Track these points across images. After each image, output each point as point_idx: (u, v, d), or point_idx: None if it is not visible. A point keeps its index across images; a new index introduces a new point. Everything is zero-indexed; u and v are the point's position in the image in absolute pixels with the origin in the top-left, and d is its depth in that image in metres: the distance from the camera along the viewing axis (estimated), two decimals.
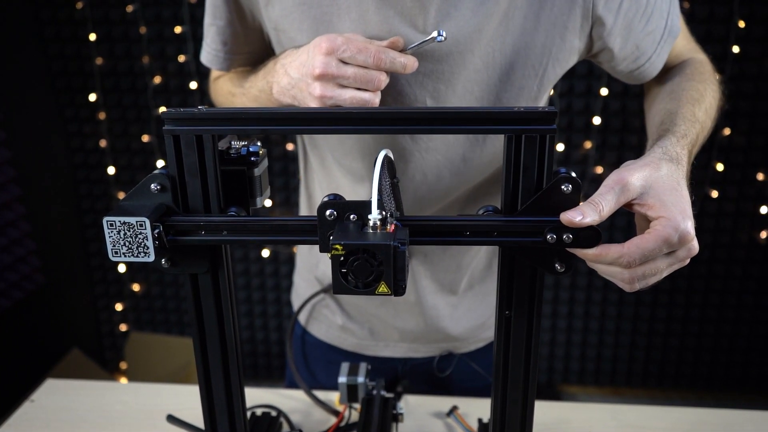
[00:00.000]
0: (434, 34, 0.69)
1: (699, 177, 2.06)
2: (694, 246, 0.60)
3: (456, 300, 1.00)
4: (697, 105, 0.80)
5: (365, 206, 0.54)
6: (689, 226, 0.59)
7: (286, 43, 0.81)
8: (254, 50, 0.91)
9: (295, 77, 0.71)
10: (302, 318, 1.09)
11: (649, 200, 0.60)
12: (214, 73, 0.98)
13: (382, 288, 0.52)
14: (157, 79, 2.12)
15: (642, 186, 0.60)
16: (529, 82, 0.80)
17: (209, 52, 0.92)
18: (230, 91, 0.91)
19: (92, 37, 2.10)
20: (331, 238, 0.52)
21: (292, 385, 1.04)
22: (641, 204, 0.60)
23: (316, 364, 1.09)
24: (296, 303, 1.11)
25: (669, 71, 0.91)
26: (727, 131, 2.02)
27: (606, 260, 0.58)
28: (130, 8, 2.05)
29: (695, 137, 0.75)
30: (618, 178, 0.59)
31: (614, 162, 2.07)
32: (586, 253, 0.59)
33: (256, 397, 0.92)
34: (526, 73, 0.80)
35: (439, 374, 1.04)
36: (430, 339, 1.03)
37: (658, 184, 0.61)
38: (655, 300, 2.24)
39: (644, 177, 0.60)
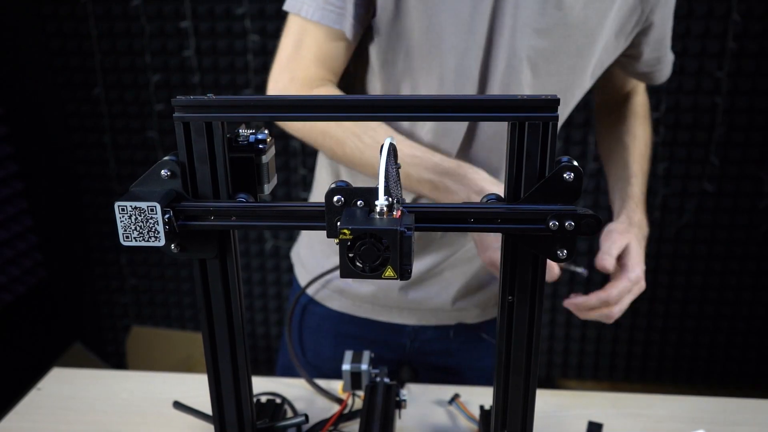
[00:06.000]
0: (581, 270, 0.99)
1: (696, 173, 2.07)
2: (642, 285, 0.91)
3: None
4: (645, 161, 1.04)
5: (372, 192, 0.55)
6: (639, 271, 0.90)
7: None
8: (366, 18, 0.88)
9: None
10: (311, 290, 1.10)
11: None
12: (309, 78, 0.89)
13: (389, 272, 0.54)
14: (159, 75, 2.13)
15: (618, 250, 0.91)
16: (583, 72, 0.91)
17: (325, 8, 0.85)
18: (353, 131, 0.86)
19: (94, 32, 2.11)
20: (339, 223, 0.53)
21: (286, 371, 1.06)
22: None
23: (324, 337, 1.11)
24: (303, 277, 1.11)
25: (623, 108, 1.10)
26: (724, 127, 2.04)
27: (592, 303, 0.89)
28: (132, 3, 2.06)
29: (645, 188, 1.02)
30: (608, 252, 0.92)
31: None
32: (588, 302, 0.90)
33: (259, 385, 0.93)
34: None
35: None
36: (443, 309, 1.07)
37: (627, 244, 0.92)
38: (654, 295, 2.25)
39: (618, 246, 0.92)
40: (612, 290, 0.88)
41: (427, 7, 0.83)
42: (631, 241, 0.92)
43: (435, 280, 1.04)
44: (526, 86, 0.88)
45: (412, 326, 1.09)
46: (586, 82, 0.94)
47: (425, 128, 0.92)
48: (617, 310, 0.89)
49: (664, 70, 1.02)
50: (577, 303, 0.89)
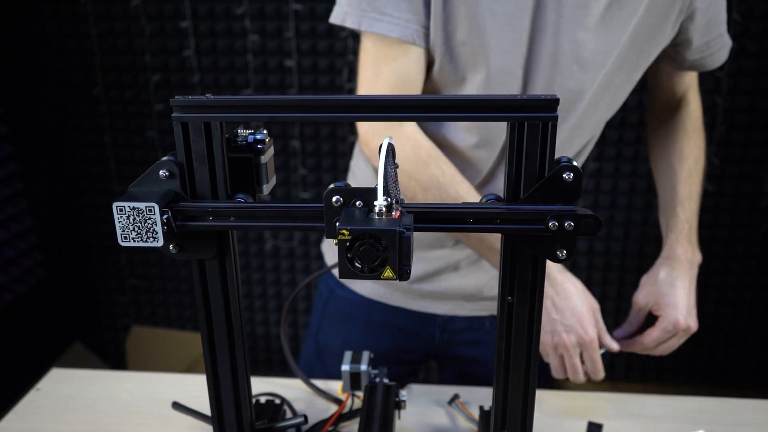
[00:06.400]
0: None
1: None
2: (691, 327, 0.90)
3: None
4: (694, 180, 1.01)
5: (371, 192, 0.55)
6: (679, 317, 0.89)
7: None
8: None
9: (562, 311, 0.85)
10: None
11: (655, 304, 0.92)
12: (417, 136, 0.89)
13: (388, 273, 0.53)
14: (159, 75, 2.13)
15: (645, 297, 0.94)
16: (627, 65, 0.92)
17: (401, 24, 0.85)
18: (439, 182, 0.86)
19: (94, 32, 2.11)
20: (338, 223, 0.53)
21: (308, 362, 1.08)
22: (653, 309, 0.93)
23: (355, 325, 1.11)
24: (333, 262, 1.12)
25: (673, 121, 1.07)
26: (724, 127, 2.03)
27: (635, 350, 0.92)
28: (132, 3, 2.06)
29: (695, 211, 1.00)
30: (633, 300, 0.96)
31: (612, 157, 2.08)
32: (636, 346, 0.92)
33: (259, 385, 0.93)
34: (629, 56, 0.91)
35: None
36: (478, 297, 1.08)
37: (658, 289, 0.92)
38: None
39: (646, 293, 0.94)
40: (646, 339, 0.90)
41: (470, 6, 0.84)
42: (653, 286, 0.93)
43: (472, 269, 1.05)
44: (573, 81, 0.89)
45: (443, 316, 1.10)
46: (633, 75, 0.95)
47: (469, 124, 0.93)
48: (658, 352, 0.92)
49: (716, 55, 0.99)
50: (622, 347, 0.92)
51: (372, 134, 0.91)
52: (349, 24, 0.87)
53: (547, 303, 0.83)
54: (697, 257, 0.97)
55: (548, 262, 0.77)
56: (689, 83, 1.08)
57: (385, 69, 0.88)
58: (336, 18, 0.89)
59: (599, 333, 0.87)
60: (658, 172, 1.06)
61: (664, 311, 0.90)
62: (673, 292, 0.91)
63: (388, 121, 0.85)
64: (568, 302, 0.85)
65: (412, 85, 0.89)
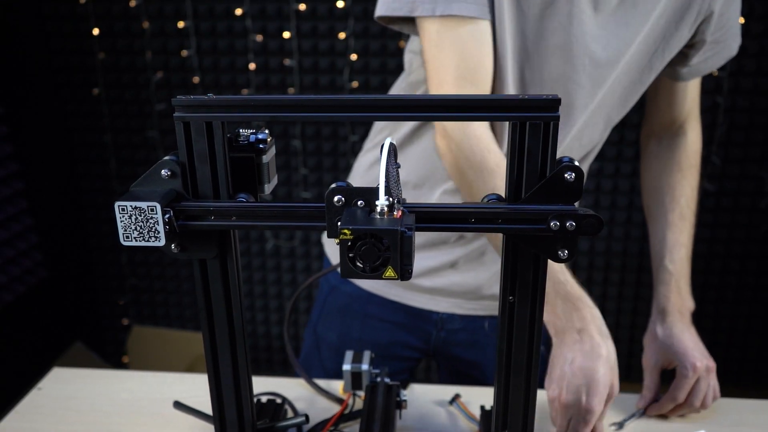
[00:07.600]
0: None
1: None
2: (710, 365, 0.90)
3: None
4: (685, 224, 1.00)
5: (373, 192, 0.55)
6: (694, 361, 0.89)
7: None
8: None
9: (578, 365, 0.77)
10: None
11: (665, 361, 0.94)
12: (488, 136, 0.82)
13: (389, 272, 0.53)
14: (160, 75, 2.13)
15: (652, 357, 0.95)
16: (639, 65, 0.92)
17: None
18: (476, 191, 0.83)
19: (95, 32, 2.11)
20: (339, 223, 0.53)
21: (308, 354, 1.08)
22: (666, 366, 0.95)
23: (353, 318, 1.11)
24: (334, 256, 1.12)
25: (669, 155, 1.04)
26: (725, 127, 2.03)
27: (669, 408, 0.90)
28: (132, 3, 2.06)
29: (685, 258, 0.98)
30: (644, 364, 0.97)
31: (613, 157, 2.08)
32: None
33: (260, 385, 0.93)
34: (642, 57, 0.91)
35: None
36: (477, 296, 1.07)
37: (660, 345, 0.95)
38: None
39: (651, 353, 0.96)
40: (676, 392, 0.89)
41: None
42: (656, 344, 0.95)
43: (471, 266, 1.05)
44: (585, 77, 0.89)
45: (440, 314, 1.09)
46: (645, 77, 0.94)
47: None
48: (703, 405, 0.90)
49: (719, 57, 0.97)
50: (655, 411, 0.92)
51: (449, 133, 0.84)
52: (420, 12, 0.81)
53: (568, 355, 0.78)
54: (688, 305, 0.97)
55: (591, 317, 0.78)
56: (689, 110, 1.04)
57: (467, 47, 0.82)
58: (399, 10, 0.82)
59: (599, 413, 0.78)
60: (649, 212, 1.05)
61: (676, 360, 0.91)
62: (675, 342, 0.92)
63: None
64: (589, 364, 0.77)
65: (488, 61, 0.84)
